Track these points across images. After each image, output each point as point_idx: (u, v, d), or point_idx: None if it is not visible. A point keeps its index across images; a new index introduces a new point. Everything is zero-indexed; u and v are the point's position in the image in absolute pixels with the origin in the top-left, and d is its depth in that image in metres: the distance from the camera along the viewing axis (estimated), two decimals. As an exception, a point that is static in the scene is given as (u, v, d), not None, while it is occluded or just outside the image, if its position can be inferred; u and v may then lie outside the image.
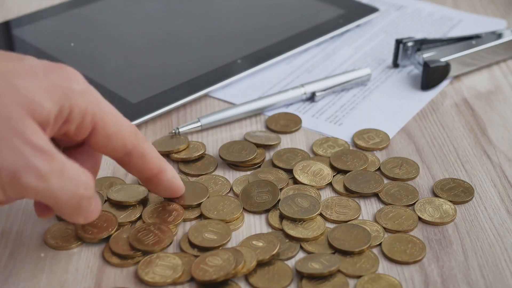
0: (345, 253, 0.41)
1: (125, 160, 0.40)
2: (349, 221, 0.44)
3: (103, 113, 0.38)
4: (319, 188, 0.46)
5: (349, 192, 0.46)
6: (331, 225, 0.43)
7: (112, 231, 0.42)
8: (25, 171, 0.34)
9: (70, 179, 0.35)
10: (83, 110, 0.37)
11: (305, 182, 0.46)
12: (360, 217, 0.44)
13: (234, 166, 0.48)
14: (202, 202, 0.44)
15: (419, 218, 0.44)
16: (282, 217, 0.43)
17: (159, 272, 0.39)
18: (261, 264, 0.40)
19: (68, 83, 0.36)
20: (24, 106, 0.34)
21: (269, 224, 0.43)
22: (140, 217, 0.43)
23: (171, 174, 0.42)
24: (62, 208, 0.36)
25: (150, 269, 0.39)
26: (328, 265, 0.40)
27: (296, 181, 0.47)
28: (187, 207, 0.44)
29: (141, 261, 0.40)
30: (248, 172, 0.48)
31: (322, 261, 0.40)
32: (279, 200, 0.45)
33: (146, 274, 0.39)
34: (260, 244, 0.41)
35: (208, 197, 0.45)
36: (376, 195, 0.46)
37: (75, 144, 0.40)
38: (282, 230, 0.43)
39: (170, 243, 0.41)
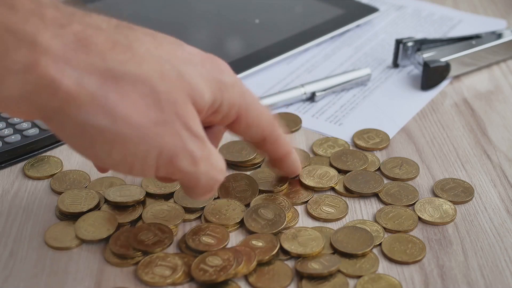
0: (348, 255, 0.41)
1: (260, 143, 0.42)
2: (330, 220, 0.44)
3: (247, 105, 0.40)
4: (326, 190, 0.46)
5: (349, 192, 0.46)
6: (330, 225, 0.44)
7: (112, 231, 0.42)
8: (182, 155, 0.36)
9: (213, 165, 0.38)
10: (231, 102, 0.39)
11: (312, 185, 0.46)
12: (353, 218, 0.44)
13: (234, 166, 0.48)
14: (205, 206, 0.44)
15: (419, 218, 0.44)
16: (250, 232, 0.43)
17: (159, 273, 0.39)
18: (261, 264, 0.40)
19: (221, 75, 0.38)
20: (187, 92, 0.36)
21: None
22: (140, 217, 0.43)
23: (294, 156, 0.44)
24: (197, 190, 0.38)
25: (149, 269, 0.39)
26: (327, 265, 0.40)
27: (302, 185, 0.46)
28: (189, 210, 0.44)
29: (140, 261, 0.40)
30: (248, 172, 0.48)
31: (322, 261, 0.40)
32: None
33: (146, 274, 0.39)
34: (260, 244, 0.41)
35: (214, 199, 0.44)
36: (376, 195, 0.46)
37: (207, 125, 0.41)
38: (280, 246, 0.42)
39: (170, 243, 0.41)
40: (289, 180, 0.46)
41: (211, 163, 0.37)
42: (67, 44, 0.34)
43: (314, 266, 0.40)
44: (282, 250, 0.41)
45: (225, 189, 0.45)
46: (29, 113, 0.35)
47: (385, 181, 0.47)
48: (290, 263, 0.41)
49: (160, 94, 0.35)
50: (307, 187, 0.46)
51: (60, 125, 0.35)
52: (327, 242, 0.42)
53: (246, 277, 0.40)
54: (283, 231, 0.42)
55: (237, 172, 0.47)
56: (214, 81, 0.38)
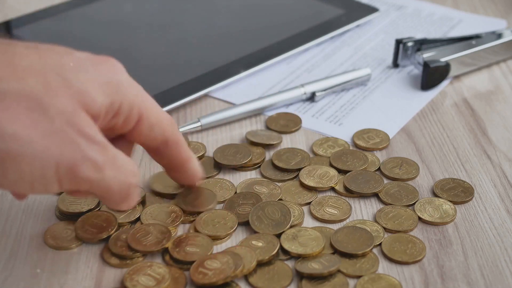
0: (348, 255, 0.41)
1: (161, 148, 0.41)
2: (332, 221, 0.44)
3: (147, 104, 0.39)
4: (325, 190, 0.46)
5: (349, 192, 0.46)
6: (331, 225, 0.44)
7: (112, 232, 0.42)
8: (82, 163, 0.34)
9: (121, 169, 0.36)
10: (131, 102, 0.37)
11: (312, 185, 0.46)
12: (356, 218, 0.44)
13: (234, 169, 0.48)
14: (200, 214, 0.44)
15: (419, 218, 0.44)
16: (253, 230, 0.43)
17: (143, 282, 0.39)
18: (261, 264, 0.40)
19: (116, 76, 0.37)
20: (77, 100, 0.35)
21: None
22: (139, 218, 0.43)
23: (195, 163, 0.43)
24: (112, 197, 0.37)
25: (136, 276, 0.39)
26: (327, 265, 0.40)
27: (302, 185, 0.46)
28: (192, 213, 0.44)
29: (132, 266, 0.40)
30: (250, 173, 0.48)
31: (322, 261, 0.40)
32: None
33: (130, 280, 0.39)
34: (260, 244, 0.41)
35: (212, 204, 0.44)
36: (376, 195, 0.46)
37: (111, 137, 0.40)
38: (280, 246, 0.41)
39: (171, 242, 0.41)
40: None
41: (117, 166, 0.36)
42: None
43: (314, 266, 0.40)
44: (282, 250, 0.41)
45: (231, 204, 0.45)
46: None
47: (385, 181, 0.47)
48: (290, 263, 0.41)
49: (47, 106, 0.34)
50: (307, 187, 0.46)
51: None
52: (327, 242, 0.42)
53: (246, 277, 0.40)
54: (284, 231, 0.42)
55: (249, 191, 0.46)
56: (109, 82, 0.36)
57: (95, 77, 0.36)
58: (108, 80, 0.37)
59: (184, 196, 0.44)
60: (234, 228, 0.42)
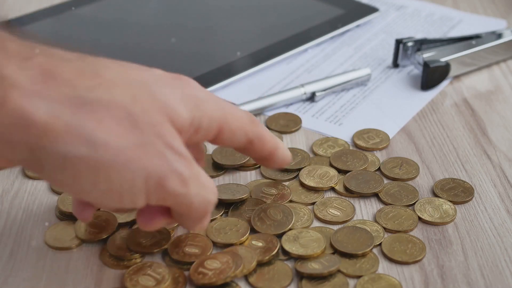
0: (348, 255, 0.41)
1: (247, 147, 0.41)
2: (335, 223, 0.43)
3: (226, 114, 0.38)
4: (326, 190, 0.46)
5: (349, 192, 0.46)
6: (331, 225, 0.44)
7: (112, 231, 0.42)
8: (170, 176, 0.34)
9: (204, 186, 0.36)
10: (210, 117, 0.37)
11: (312, 185, 0.46)
12: (356, 218, 0.44)
13: (235, 169, 0.48)
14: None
15: (419, 218, 0.44)
16: (254, 231, 0.42)
17: (143, 282, 0.38)
18: (261, 264, 0.40)
19: (195, 92, 0.37)
20: (164, 112, 0.35)
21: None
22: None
23: (283, 148, 0.43)
24: (191, 214, 0.37)
25: (136, 276, 0.39)
26: (327, 265, 0.40)
27: (302, 185, 0.46)
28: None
29: (133, 265, 0.40)
30: (250, 173, 0.48)
31: (322, 261, 0.40)
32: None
33: (130, 280, 0.39)
34: (260, 244, 0.41)
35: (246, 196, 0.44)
36: (376, 195, 0.46)
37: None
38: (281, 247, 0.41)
39: (170, 243, 0.41)
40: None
41: (201, 183, 0.36)
42: (34, 76, 0.33)
43: (314, 266, 0.40)
44: (283, 250, 0.41)
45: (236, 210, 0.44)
46: (5, 156, 0.34)
47: (385, 181, 0.47)
48: (290, 263, 0.41)
49: (137, 116, 0.34)
50: (306, 187, 0.46)
51: (39, 163, 0.33)
52: (328, 242, 0.42)
53: (246, 277, 0.40)
54: (285, 232, 0.42)
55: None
56: (189, 98, 0.37)
57: (177, 93, 0.36)
58: (189, 95, 0.37)
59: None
60: (247, 234, 0.42)
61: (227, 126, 0.39)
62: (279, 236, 0.42)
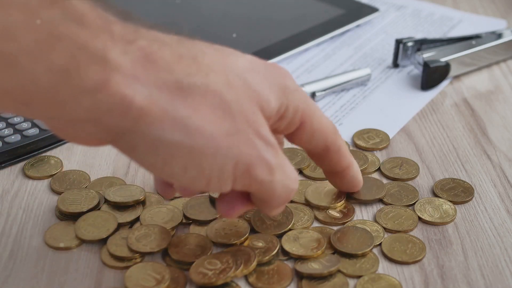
0: (348, 255, 0.41)
1: (322, 154, 0.41)
2: (334, 224, 0.43)
3: (310, 111, 0.39)
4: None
5: (351, 199, 0.45)
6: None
7: (112, 231, 0.42)
8: (258, 164, 0.35)
9: (288, 174, 0.37)
10: (296, 107, 0.38)
11: (316, 203, 0.45)
12: (356, 218, 0.44)
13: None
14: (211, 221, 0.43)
15: (419, 218, 0.44)
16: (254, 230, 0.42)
17: (142, 282, 0.38)
18: (261, 264, 0.40)
19: (284, 81, 0.38)
20: (255, 101, 0.36)
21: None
22: (138, 218, 0.43)
23: (356, 170, 0.43)
24: (273, 201, 0.37)
25: (136, 276, 0.39)
26: (327, 265, 0.40)
27: (308, 203, 0.45)
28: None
29: (133, 265, 0.40)
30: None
31: (322, 261, 0.40)
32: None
33: (130, 280, 0.39)
34: (260, 244, 0.41)
35: None
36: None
37: None
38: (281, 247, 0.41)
39: (170, 243, 0.41)
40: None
41: (285, 171, 0.37)
42: (135, 60, 0.33)
43: (314, 266, 0.40)
44: (283, 250, 0.41)
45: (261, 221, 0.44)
46: (96, 137, 0.34)
47: (385, 181, 0.47)
48: (290, 263, 0.41)
49: (230, 104, 0.35)
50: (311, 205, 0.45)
51: (132, 145, 0.34)
52: (327, 242, 0.42)
53: (246, 277, 0.40)
54: (285, 232, 0.42)
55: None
56: (279, 86, 0.37)
57: (268, 80, 0.37)
58: (278, 83, 0.37)
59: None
60: (247, 234, 0.42)
61: (309, 122, 0.39)
62: (279, 236, 0.42)
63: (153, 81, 0.33)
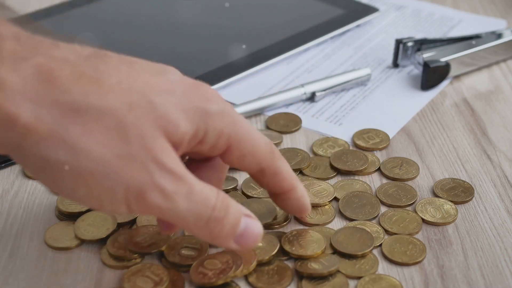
0: (348, 256, 0.41)
1: (257, 176, 0.39)
2: (315, 224, 0.43)
3: (239, 134, 0.37)
4: (321, 206, 0.45)
5: (344, 218, 0.44)
6: (330, 225, 0.44)
7: (111, 231, 0.42)
8: (151, 190, 0.34)
9: (197, 202, 0.35)
10: (219, 132, 0.36)
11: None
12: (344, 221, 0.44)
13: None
14: None
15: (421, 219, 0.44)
16: None
17: (141, 284, 0.38)
18: (261, 264, 0.40)
19: (206, 103, 0.36)
20: (159, 125, 0.34)
21: None
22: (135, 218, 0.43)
23: (300, 193, 0.41)
24: (190, 229, 0.36)
25: (134, 278, 0.39)
26: (327, 265, 0.40)
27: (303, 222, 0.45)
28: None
29: (132, 266, 0.40)
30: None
31: (322, 262, 0.40)
32: None
33: (128, 281, 0.39)
34: (260, 244, 0.41)
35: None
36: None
37: (202, 158, 0.39)
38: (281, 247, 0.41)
39: (166, 245, 0.41)
40: (291, 218, 0.44)
41: (194, 199, 0.35)
42: (27, 78, 0.32)
43: (314, 266, 0.40)
44: (282, 250, 0.41)
45: None
46: None
47: (385, 181, 0.47)
48: (290, 263, 0.41)
49: (126, 127, 0.33)
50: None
51: (23, 161, 0.34)
52: (328, 242, 0.42)
53: (246, 277, 0.40)
54: (285, 233, 0.42)
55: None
56: (196, 110, 0.35)
57: (183, 103, 0.35)
58: (196, 107, 0.35)
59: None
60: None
61: (237, 146, 0.37)
62: (267, 227, 0.42)
63: (43, 100, 0.32)
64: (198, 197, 0.35)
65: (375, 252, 0.42)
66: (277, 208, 0.43)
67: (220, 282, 0.38)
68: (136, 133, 0.33)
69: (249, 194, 0.45)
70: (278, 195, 0.41)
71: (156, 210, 0.34)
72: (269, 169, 0.39)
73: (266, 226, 0.43)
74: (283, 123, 0.53)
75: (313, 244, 0.41)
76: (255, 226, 0.37)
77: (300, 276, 0.40)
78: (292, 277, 0.40)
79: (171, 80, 0.36)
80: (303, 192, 0.41)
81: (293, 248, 0.41)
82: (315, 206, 0.44)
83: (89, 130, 0.33)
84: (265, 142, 0.38)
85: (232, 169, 0.48)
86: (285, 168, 0.40)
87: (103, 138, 0.33)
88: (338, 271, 0.40)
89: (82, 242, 0.42)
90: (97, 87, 0.33)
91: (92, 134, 0.33)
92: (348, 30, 0.65)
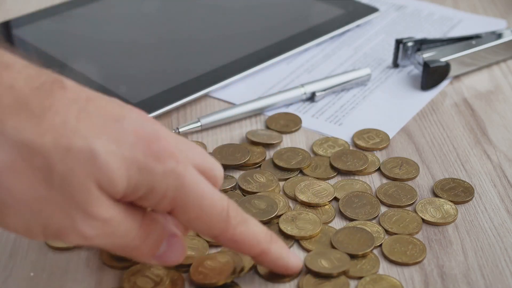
0: (349, 256, 0.41)
1: (215, 239, 0.37)
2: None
3: (185, 198, 0.34)
4: (321, 206, 0.45)
5: (344, 218, 0.44)
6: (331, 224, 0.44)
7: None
8: (70, 233, 0.33)
9: (118, 237, 0.34)
10: (162, 193, 0.34)
11: (306, 201, 0.45)
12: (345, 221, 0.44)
13: (235, 168, 0.48)
14: None
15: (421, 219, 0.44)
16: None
17: (141, 284, 0.38)
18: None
19: (153, 162, 0.33)
20: (94, 176, 0.32)
21: None
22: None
23: (276, 255, 0.38)
24: (119, 252, 0.36)
25: (134, 278, 0.39)
26: (338, 265, 0.40)
27: (296, 198, 0.45)
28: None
29: (132, 266, 0.40)
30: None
31: (332, 259, 0.40)
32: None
33: (128, 281, 0.39)
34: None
35: None
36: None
37: None
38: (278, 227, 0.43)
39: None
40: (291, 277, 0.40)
41: (115, 236, 0.34)
42: None
43: (324, 265, 0.40)
44: (279, 230, 0.42)
45: None
46: None
47: (385, 181, 0.47)
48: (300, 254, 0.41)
49: (55, 171, 0.31)
50: (301, 203, 0.45)
51: None
52: (327, 240, 0.42)
53: (255, 269, 0.40)
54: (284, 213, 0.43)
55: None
56: (140, 167, 0.33)
57: (127, 157, 0.33)
58: (140, 164, 0.33)
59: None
60: None
61: (182, 210, 0.35)
62: (268, 223, 0.43)
63: None
64: (120, 234, 0.34)
65: (376, 252, 0.42)
66: (278, 203, 0.44)
67: (221, 282, 0.38)
68: (63, 180, 0.31)
69: (245, 188, 0.46)
70: (251, 257, 0.38)
71: (73, 243, 0.34)
72: (223, 237, 0.36)
73: (267, 222, 0.43)
74: (283, 123, 0.53)
75: (309, 226, 0.42)
76: (178, 246, 0.36)
77: (306, 271, 0.40)
78: (301, 271, 0.40)
79: (123, 129, 0.33)
80: (278, 254, 0.38)
81: (288, 228, 0.42)
82: (315, 206, 0.44)
83: (16, 167, 0.31)
84: (221, 209, 0.35)
85: (231, 168, 0.48)
86: (247, 235, 0.37)
87: (29, 178, 0.31)
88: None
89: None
90: (36, 124, 0.31)
91: (18, 172, 0.31)
92: (348, 30, 0.65)
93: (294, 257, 0.39)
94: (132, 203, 0.35)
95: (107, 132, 0.33)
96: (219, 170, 0.37)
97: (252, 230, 0.37)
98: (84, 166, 0.32)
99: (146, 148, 0.33)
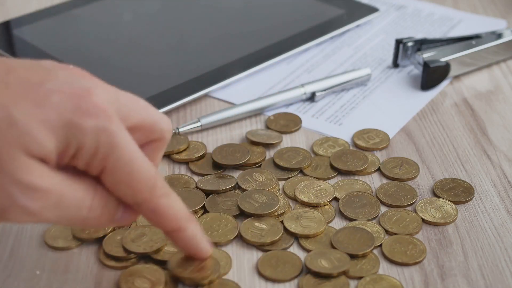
0: (349, 256, 0.41)
1: (135, 208, 0.36)
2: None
3: (116, 157, 0.33)
4: (321, 206, 0.45)
5: (344, 218, 0.44)
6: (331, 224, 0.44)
7: (110, 230, 0.42)
8: (12, 210, 0.32)
9: (69, 207, 0.33)
10: (92, 150, 0.33)
11: (306, 200, 0.45)
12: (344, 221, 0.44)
13: (235, 168, 0.48)
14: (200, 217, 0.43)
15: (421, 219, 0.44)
16: (244, 214, 0.43)
17: (138, 284, 0.38)
18: (266, 250, 0.41)
19: (81, 118, 0.33)
20: (19, 144, 0.31)
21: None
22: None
23: (191, 234, 0.37)
24: (68, 225, 0.36)
25: (131, 279, 0.39)
26: (337, 265, 0.40)
27: (296, 198, 0.45)
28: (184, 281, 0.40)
29: (129, 267, 0.40)
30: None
31: (332, 259, 0.40)
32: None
33: (125, 282, 0.39)
34: (264, 226, 0.42)
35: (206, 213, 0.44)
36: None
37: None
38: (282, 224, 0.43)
39: (164, 246, 0.41)
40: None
41: (64, 206, 0.33)
42: None
43: (324, 265, 0.40)
44: (284, 227, 0.42)
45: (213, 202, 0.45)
46: None
47: (385, 181, 0.47)
48: (300, 254, 0.41)
49: None
50: (301, 202, 0.45)
51: None
52: (328, 240, 0.42)
53: (256, 266, 0.40)
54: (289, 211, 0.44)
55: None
56: (66, 125, 0.32)
57: (51, 117, 0.32)
58: (67, 121, 0.32)
59: (179, 260, 0.40)
60: (237, 227, 0.42)
61: (111, 170, 0.34)
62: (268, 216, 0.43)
63: None
64: (70, 203, 0.33)
65: (376, 252, 0.42)
66: (279, 198, 0.44)
67: (218, 281, 0.38)
68: None
69: (244, 187, 0.46)
70: (166, 233, 0.38)
71: (23, 222, 0.34)
72: (145, 205, 0.35)
73: (267, 216, 0.43)
74: (283, 123, 0.53)
75: (313, 224, 0.42)
76: (130, 213, 0.36)
77: (306, 270, 0.40)
78: (301, 270, 0.40)
79: (46, 91, 0.32)
80: (194, 234, 0.38)
81: (293, 226, 0.42)
82: (315, 206, 0.44)
83: None
84: (149, 176, 0.35)
85: (231, 167, 0.48)
86: (168, 208, 0.36)
87: None
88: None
89: (82, 242, 0.42)
90: None
91: None
92: (348, 30, 0.65)
93: (206, 242, 0.38)
94: (83, 174, 0.34)
95: (27, 97, 0.32)
96: (165, 124, 0.37)
97: (174, 204, 0.36)
98: (5, 135, 0.31)
99: (74, 105, 0.33)
